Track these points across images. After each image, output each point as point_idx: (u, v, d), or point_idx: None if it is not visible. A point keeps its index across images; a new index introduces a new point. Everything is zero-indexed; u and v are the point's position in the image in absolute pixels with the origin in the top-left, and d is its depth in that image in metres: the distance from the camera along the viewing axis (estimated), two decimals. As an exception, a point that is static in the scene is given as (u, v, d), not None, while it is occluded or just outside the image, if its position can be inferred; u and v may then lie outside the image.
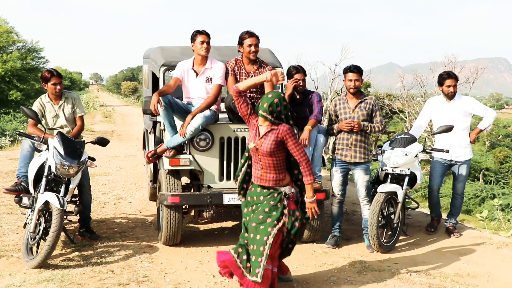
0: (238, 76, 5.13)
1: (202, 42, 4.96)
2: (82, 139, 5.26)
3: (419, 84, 20.03)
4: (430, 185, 6.04)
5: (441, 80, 5.82)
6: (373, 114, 5.28)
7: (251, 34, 5.02)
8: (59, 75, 5.28)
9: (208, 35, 5.01)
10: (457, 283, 4.36)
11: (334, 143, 5.41)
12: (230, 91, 5.11)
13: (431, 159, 6.05)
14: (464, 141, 5.78)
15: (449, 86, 5.73)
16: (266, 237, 3.74)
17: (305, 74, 5.33)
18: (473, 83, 17.05)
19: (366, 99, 5.29)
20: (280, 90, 6.08)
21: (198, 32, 5.01)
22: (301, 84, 5.25)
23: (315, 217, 3.96)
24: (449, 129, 5.43)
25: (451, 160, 5.80)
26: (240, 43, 5.08)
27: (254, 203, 3.88)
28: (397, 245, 5.36)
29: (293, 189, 3.91)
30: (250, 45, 5.02)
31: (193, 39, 5.03)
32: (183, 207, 5.16)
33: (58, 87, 5.24)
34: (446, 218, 6.00)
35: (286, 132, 3.75)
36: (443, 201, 11.98)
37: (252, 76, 5.10)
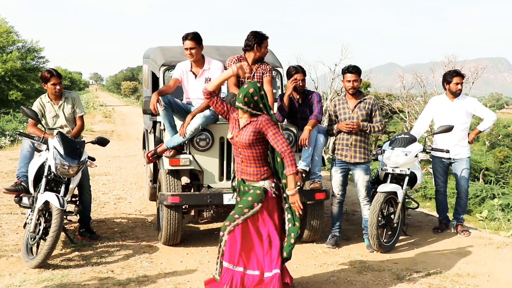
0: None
1: (186, 49, 4.93)
2: (82, 139, 5.26)
3: (419, 84, 20.04)
4: (436, 185, 6.07)
5: (449, 78, 5.83)
6: (373, 114, 5.28)
7: (267, 38, 5.06)
8: (59, 75, 5.28)
9: (193, 40, 4.89)
10: (457, 283, 4.36)
11: (334, 143, 5.41)
12: (230, 89, 5.10)
13: (431, 159, 6.07)
14: (463, 140, 5.81)
15: (457, 84, 5.76)
16: (221, 232, 3.68)
17: (304, 74, 5.33)
18: (473, 83, 17.05)
19: (366, 99, 5.29)
20: (279, 88, 6.08)
21: (183, 38, 4.95)
22: (300, 84, 5.25)
23: (300, 212, 3.74)
24: (449, 129, 5.44)
25: (449, 158, 5.83)
26: (260, 43, 5.02)
27: (241, 194, 3.82)
28: (397, 245, 5.36)
29: (273, 184, 3.75)
30: (266, 47, 5.06)
31: (182, 42, 4.99)
32: (183, 207, 5.16)
33: (58, 87, 5.24)
34: (453, 218, 6.02)
35: (265, 122, 3.63)
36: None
37: (254, 74, 5.10)
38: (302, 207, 3.73)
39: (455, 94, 5.80)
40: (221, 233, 3.72)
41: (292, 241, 3.74)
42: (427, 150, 5.51)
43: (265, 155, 3.75)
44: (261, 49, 5.04)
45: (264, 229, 3.74)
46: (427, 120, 6.06)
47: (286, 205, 3.77)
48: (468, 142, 5.85)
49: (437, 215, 6.26)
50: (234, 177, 3.95)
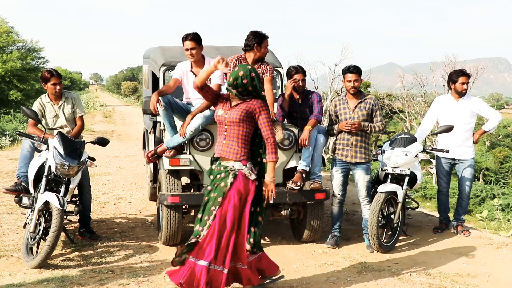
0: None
1: (187, 50, 4.93)
2: (82, 139, 5.26)
3: (419, 84, 20.04)
4: (439, 186, 6.06)
5: (454, 77, 5.81)
6: (373, 114, 5.28)
7: (267, 37, 5.05)
8: (59, 75, 5.29)
9: (194, 40, 4.89)
10: (457, 283, 4.36)
11: (335, 143, 5.41)
12: None
13: (432, 160, 6.09)
14: (467, 141, 5.80)
15: (463, 83, 5.75)
16: (200, 227, 3.62)
17: (304, 74, 5.33)
18: (473, 83, 17.02)
19: (366, 99, 5.29)
20: (279, 88, 6.08)
21: (183, 39, 4.94)
22: (300, 84, 5.25)
23: (270, 201, 3.74)
24: (449, 129, 5.44)
25: (454, 159, 5.82)
26: (260, 43, 5.03)
27: (213, 176, 3.76)
28: (397, 245, 5.36)
29: (246, 168, 3.68)
30: (266, 47, 5.06)
31: (182, 43, 4.99)
32: (183, 207, 5.15)
33: (58, 87, 5.24)
34: (453, 218, 6.01)
35: (259, 105, 3.65)
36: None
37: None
38: (274, 197, 3.73)
39: (461, 94, 5.79)
40: (199, 228, 3.64)
41: (256, 230, 3.74)
42: (427, 150, 5.51)
43: (249, 137, 3.73)
44: (261, 49, 5.04)
45: (235, 218, 3.65)
46: (432, 120, 6.02)
47: (257, 196, 3.75)
48: (473, 142, 5.85)
49: (438, 215, 6.25)
50: (213, 161, 3.88)
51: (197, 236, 3.65)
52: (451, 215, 6.19)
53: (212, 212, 3.64)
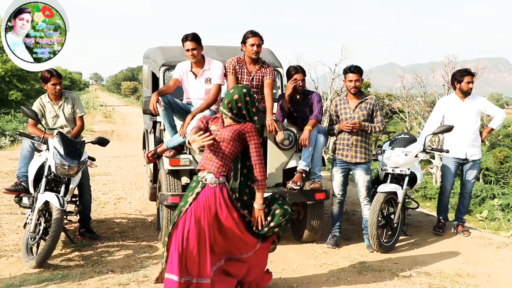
0: (239, 75, 5.12)
1: (187, 50, 4.92)
2: (82, 139, 5.26)
3: (419, 84, 20.06)
4: (444, 186, 5.99)
5: (459, 77, 5.78)
6: (374, 114, 5.27)
7: (254, 34, 5.00)
8: (59, 75, 5.29)
9: (194, 40, 4.87)
10: (457, 283, 4.36)
11: (335, 143, 5.41)
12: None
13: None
14: (477, 140, 5.81)
15: (468, 83, 5.74)
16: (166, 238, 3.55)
17: (304, 74, 5.33)
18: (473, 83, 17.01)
19: (367, 99, 5.29)
20: (279, 88, 6.08)
21: (183, 39, 4.93)
22: (300, 84, 5.25)
23: (259, 227, 3.69)
24: (449, 129, 5.44)
25: (465, 159, 5.80)
26: (243, 41, 5.06)
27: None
28: (397, 245, 5.36)
29: (218, 180, 3.59)
30: (252, 45, 5.01)
31: (182, 44, 4.98)
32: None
33: (58, 87, 5.24)
34: (455, 218, 6.01)
35: (251, 129, 3.64)
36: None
37: (253, 76, 5.10)
38: (264, 223, 3.70)
39: (467, 94, 5.77)
40: (165, 238, 3.58)
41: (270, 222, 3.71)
42: (427, 150, 5.51)
43: (233, 157, 3.69)
44: (246, 48, 5.03)
45: (200, 230, 3.53)
46: (437, 121, 5.97)
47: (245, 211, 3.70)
48: (481, 140, 5.87)
49: (436, 215, 6.24)
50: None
51: (165, 247, 3.57)
52: (450, 214, 6.19)
53: (173, 221, 3.57)
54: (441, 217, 6.04)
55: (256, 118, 3.77)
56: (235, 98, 3.64)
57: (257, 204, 3.68)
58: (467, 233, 5.80)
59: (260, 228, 3.70)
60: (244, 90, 3.67)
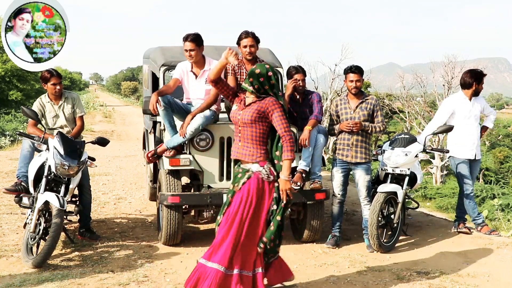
0: (238, 76, 5.13)
1: (186, 51, 4.92)
2: (82, 139, 5.26)
3: (419, 84, 20.06)
4: (466, 188, 5.77)
5: (480, 78, 5.75)
6: (374, 114, 5.27)
7: (247, 35, 5.01)
8: (59, 75, 5.29)
9: (193, 41, 4.87)
10: (457, 283, 4.36)
11: (335, 143, 5.41)
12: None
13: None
14: (479, 139, 5.88)
15: (483, 83, 5.81)
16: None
17: (304, 74, 5.33)
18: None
19: (367, 99, 5.29)
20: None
21: (183, 39, 4.93)
22: (300, 84, 5.25)
23: (289, 199, 3.61)
24: (449, 129, 5.46)
25: (474, 159, 5.80)
26: (238, 43, 5.08)
27: (235, 181, 3.68)
28: (397, 245, 5.36)
29: (263, 169, 3.58)
30: (245, 46, 5.02)
31: (183, 42, 4.97)
32: (183, 207, 5.15)
33: (58, 87, 5.24)
34: (456, 217, 6.00)
35: (272, 103, 3.55)
36: (445, 200, 12.02)
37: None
38: (291, 197, 3.63)
39: (478, 94, 5.83)
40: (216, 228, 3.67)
41: (272, 228, 3.61)
42: (427, 150, 5.51)
43: (264, 137, 3.63)
44: (241, 49, 5.04)
45: (252, 221, 3.58)
46: (444, 120, 5.87)
47: (275, 194, 3.63)
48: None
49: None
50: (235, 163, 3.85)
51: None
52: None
53: (221, 212, 3.64)
54: (479, 221, 5.87)
55: (280, 94, 3.68)
56: (257, 72, 3.58)
57: (283, 175, 3.56)
58: (469, 232, 5.78)
59: (285, 201, 3.60)
60: (267, 66, 3.64)
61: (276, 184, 3.63)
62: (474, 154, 5.77)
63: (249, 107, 3.62)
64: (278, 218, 3.64)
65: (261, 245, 3.64)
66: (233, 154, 3.73)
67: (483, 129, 6.04)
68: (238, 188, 3.61)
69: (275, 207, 3.64)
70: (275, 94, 3.63)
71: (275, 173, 3.64)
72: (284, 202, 3.61)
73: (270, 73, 3.60)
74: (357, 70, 5.21)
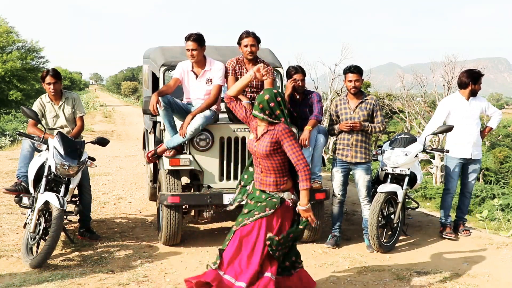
0: (239, 76, 5.12)
1: (188, 50, 4.92)
2: (82, 139, 5.26)
3: (419, 84, 20.05)
4: (449, 187, 5.89)
5: (477, 78, 5.75)
6: (374, 114, 5.27)
7: (247, 34, 5.01)
8: (55, 75, 5.22)
9: (196, 41, 4.88)
10: (457, 283, 4.36)
11: (335, 143, 5.41)
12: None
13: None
14: (479, 140, 5.83)
15: (480, 84, 5.79)
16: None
17: (304, 74, 5.33)
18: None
19: (367, 99, 5.29)
20: (279, 88, 6.08)
21: (186, 38, 4.94)
22: (300, 84, 5.25)
23: (312, 225, 3.70)
24: (449, 129, 5.44)
25: (469, 159, 5.79)
26: (239, 43, 5.08)
27: (252, 207, 3.68)
28: (397, 245, 5.36)
29: (293, 196, 3.64)
30: (246, 45, 5.02)
31: (185, 42, 4.98)
32: (183, 207, 5.16)
33: (52, 87, 5.19)
34: (456, 217, 5.99)
35: (282, 132, 3.52)
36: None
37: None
38: (315, 220, 3.67)
39: (475, 94, 5.81)
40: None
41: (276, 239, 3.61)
42: (427, 150, 5.51)
43: (284, 165, 3.62)
44: (242, 49, 5.04)
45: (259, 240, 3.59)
46: (441, 120, 5.92)
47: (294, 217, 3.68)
48: (482, 140, 5.90)
49: (438, 215, 6.23)
50: (244, 179, 3.84)
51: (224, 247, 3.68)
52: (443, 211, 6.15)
53: (241, 220, 3.63)
54: (447, 222, 5.93)
55: (288, 120, 3.68)
56: (266, 98, 3.56)
57: (301, 205, 3.58)
58: (468, 233, 5.80)
59: (313, 224, 3.65)
60: (275, 91, 3.61)
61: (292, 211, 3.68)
62: (470, 154, 5.75)
63: (262, 139, 3.60)
64: (291, 235, 3.66)
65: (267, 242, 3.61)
66: (257, 184, 3.72)
67: (486, 129, 6.00)
68: (269, 210, 3.58)
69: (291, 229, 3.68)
70: (285, 119, 3.61)
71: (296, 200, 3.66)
72: (305, 224, 3.64)
73: (279, 98, 3.58)
74: (355, 70, 5.21)
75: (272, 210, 3.58)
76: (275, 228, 3.61)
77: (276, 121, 3.59)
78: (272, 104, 3.56)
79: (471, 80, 5.76)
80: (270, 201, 3.62)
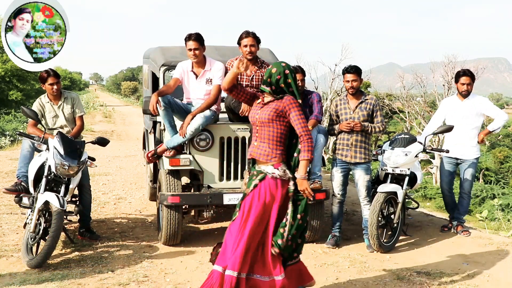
0: (238, 76, 5.12)
1: (190, 50, 4.92)
2: (82, 139, 5.26)
3: (419, 84, 20.04)
4: (441, 186, 6.10)
5: (457, 77, 5.87)
6: (374, 114, 5.27)
7: (247, 34, 5.01)
8: (56, 75, 5.25)
9: (197, 40, 4.89)
10: (457, 283, 4.36)
11: (335, 143, 5.41)
12: None
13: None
14: (473, 140, 5.78)
15: (463, 84, 5.77)
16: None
17: (304, 75, 5.33)
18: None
19: (367, 99, 5.29)
20: None
21: (186, 38, 4.94)
22: (300, 84, 5.25)
23: (310, 199, 3.51)
24: (449, 129, 5.45)
25: (457, 159, 5.81)
26: (238, 43, 5.08)
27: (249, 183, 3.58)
28: (397, 245, 5.36)
29: (277, 171, 3.48)
30: (246, 46, 5.02)
31: (185, 43, 4.99)
32: (183, 207, 5.16)
33: (55, 87, 5.22)
34: (454, 218, 5.99)
35: (289, 102, 3.48)
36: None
37: (253, 76, 5.10)
38: (312, 194, 3.51)
39: (462, 95, 5.81)
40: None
41: (281, 230, 3.50)
42: (427, 150, 5.51)
43: (282, 137, 3.55)
44: (241, 49, 5.04)
45: (261, 223, 3.50)
46: (438, 121, 5.98)
47: (291, 195, 3.54)
48: (478, 142, 5.82)
49: (438, 215, 6.25)
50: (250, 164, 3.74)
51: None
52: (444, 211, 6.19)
53: (235, 214, 3.56)
54: (450, 217, 6.01)
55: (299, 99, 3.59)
56: (273, 71, 3.54)
57: (299, 174, 3.47)
58: (467, 233, 5.79)
59: (310, 199, 3.52)
60: (283, 64, 3.58)
61: (291, 186, 3.55)
62: (460, 154, 5.74)
63: (267, 106, 3.56)
64: (299, 216, 3.54)
65: (276, 250, 3.52)
66: (248, 153, 3.67)
67: (484, 131, 5.91)
68: (249, 190, 3.53)
69: (291, 208, 3.54)
70: (293, 93, 3.57)
71: (290, 175, 3.56)
72: (304, 201, 3.51)
73: (287, 71, 3.55)
74: (353, 70, 5.21)
75: (251, 188, 3.50)
76: (262, 207, 3.47)
77: (281, 96, 3.55)
78: (278, 77, 3.53)
79: (454, 80, 5.91)
80: (251, 180, 3.55)
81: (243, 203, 3.54)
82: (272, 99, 3.57)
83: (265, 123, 3.54)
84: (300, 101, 3.57)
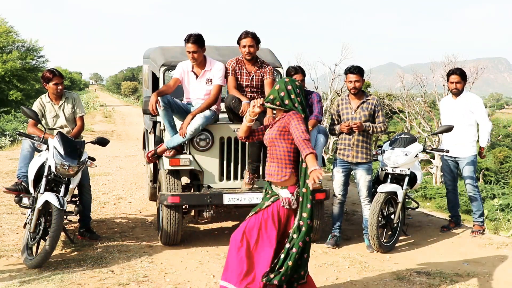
0: (238, 76, 5.13)
1: (189, 52, 4.92)
2: (82, 139, 5.26)
3: (419, 84, 20.05)
4: (444, 182, 6.18)
5: (447, 76, 5.94)
6: (376, 115, 5.27)
7: (246, 35, 5.01)
8: (61, 75, 5.28)
9: (196, 43, 4.87)
10: (457, 283, 4.36)
11: (336, 143, 5.41)
12: (230, 91, 5.11)
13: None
14: (468, 137, 5.77)
15: (452, 83, 5.78)
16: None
17: (304, 75, 5.33)
18: (473, 83, 17.02)
19: (369, 99, 5.28)
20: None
21: (185, 40, 4.93)
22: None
23: (316, 183, 3.20)
24: (449, 129, 5.45)
25: (455, 157, 5.82)
26: (238, 43, 5.08)
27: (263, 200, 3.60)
28: (397, 245, 5.36)
29: (291, 195, 3.46)
30: (244, 46, 5.02)
31: (184, 44, 4.97)
32: (183, 207, 5.16)
33: (60, 87, 5.23)
34: (453, 217, 6.03)
35: (290, 115, 3.45)
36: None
37: (253, 76, 5.11)
38: (320, 178, 3.22)
39: (453, 93, 5.84)
40: None
41: (280, 269, 3.41)
42: (427, 150, 5.51)
43: (290, 156, 3.48)
44: (241, 49, 5.05)
45: (267, 245, 3.47)
46: (443, 120, 6.03)
47: (296, 223, 3.45)
48: (480, 157, 5.95)
49: (438, 215, 6.26)
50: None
51: None
52: (445, 211, 6.19)
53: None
54: (450, 216, 6.04)
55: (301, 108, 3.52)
56: (277, 88, 3.52)
57: (312, 167, 3.21)
58: (477, 234, 5.72)
59: (317, 182, 3.24)
60: (286, 80, 3.55)
61: (296, 209, 3.50)
62: (454, 152, 5.74)
63: (274, 125, 3.56)
64: (300, 244, 3.45)
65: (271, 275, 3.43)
66: (266, 176, 3.62)
67: (480, 149, 5.94)
68: (260, 209, 3.53)
69: (295, 236, 3.45)
70: (298, 108, 3.50)
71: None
72: (311, 186, 3.28)
73: (289, 87, 3.50)
74: (356, 70, 5.20)
75: (263, 208, 3.50)
76: (271, 228, 3.47)
77: (285, 108, 3.51)
78: (282, 94, 3.50)
79: (446, 79, 5.98)
80: (265, 200, 3.56)
81: (252, 219, 3.51)
82: (278, 118, 3.56)
83: (271, 143, 3.54)
84: (303, 115, 3.50)
